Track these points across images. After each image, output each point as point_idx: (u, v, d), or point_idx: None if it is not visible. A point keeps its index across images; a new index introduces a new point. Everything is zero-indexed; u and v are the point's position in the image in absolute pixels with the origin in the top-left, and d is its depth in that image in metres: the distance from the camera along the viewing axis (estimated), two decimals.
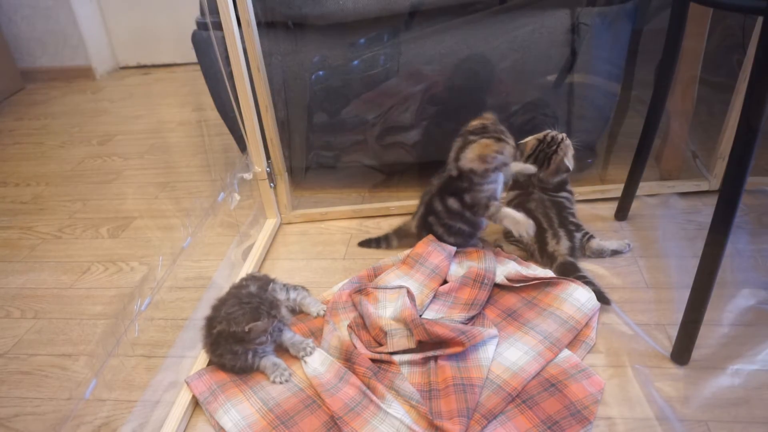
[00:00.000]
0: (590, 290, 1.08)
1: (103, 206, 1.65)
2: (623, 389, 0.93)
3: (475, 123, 1.15)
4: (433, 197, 1.20)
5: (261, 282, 1.09)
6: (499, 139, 1.11)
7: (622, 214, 1.35)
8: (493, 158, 1.10)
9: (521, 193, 1.29)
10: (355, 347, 1.01)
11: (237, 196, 1.35)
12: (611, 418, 0.88)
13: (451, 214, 1.19)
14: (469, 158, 1.12)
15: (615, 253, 1.23)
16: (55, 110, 2.48)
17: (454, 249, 1.23)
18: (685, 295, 0.92)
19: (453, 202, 1.17)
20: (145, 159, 1.94)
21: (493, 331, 1.02)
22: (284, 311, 1.06)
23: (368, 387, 0.94)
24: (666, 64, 1.13)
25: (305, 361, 1.01)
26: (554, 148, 1.24)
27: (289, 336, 1.04)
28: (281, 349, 1.04)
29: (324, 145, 1.53)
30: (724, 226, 0.85)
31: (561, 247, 1.19)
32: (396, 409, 0.90)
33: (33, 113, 2.46)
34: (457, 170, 1.15)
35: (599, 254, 1.23)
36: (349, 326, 1.07)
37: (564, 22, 1.28)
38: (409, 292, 1.10)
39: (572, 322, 1.02)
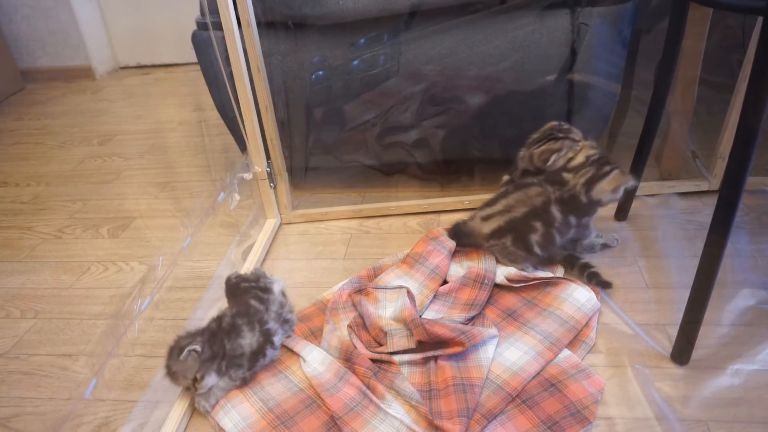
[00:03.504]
0: (590, 290, 1.09)
1: (103, 206, 1.65)
2: (623, 389, 0.93)
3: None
4: (550, 204, 1.15)
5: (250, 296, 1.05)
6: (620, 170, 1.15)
7: (622, 214, 1.35)
8: (622, 189, 1.15)
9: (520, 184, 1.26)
10: (355, 347, 1.01)
11: (237, 196, 1.35)
12: (611, 418, 0.88)
13: (563, 229, 1.17)
14: (605, 190, 1.14)
15: (605, 246, 1.25)
16: (55, 110, 2.48)
17: (453, 247, 1.23)
18: (685, 295, 0.92)
19: (572, 219, 1.16)
20: (145, 159, 1.94)
21: (493, 331, 1.02)
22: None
23: (368, 387, 0.94)
24: (666, 64, 1.13)
25: (305, 360, 1.01)
26: (561, 136, 1.23)
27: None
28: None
29: (324, 145, 1.53)
30: (724, 226, 0.85)
31: None
32: (396, 409, 0.90)
33: (33, 113, 2.46)
34: (588, 199, 1.15)
35: (590, 249, 1.24)
36: (349, 326, 1.07)
37: (564, 22, 1.28)
38: (409, 292, 1.10)
39: (572, 322, 1.03)
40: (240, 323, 0.97)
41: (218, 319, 0.98)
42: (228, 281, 1.10)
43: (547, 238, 1.16)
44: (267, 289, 1.06)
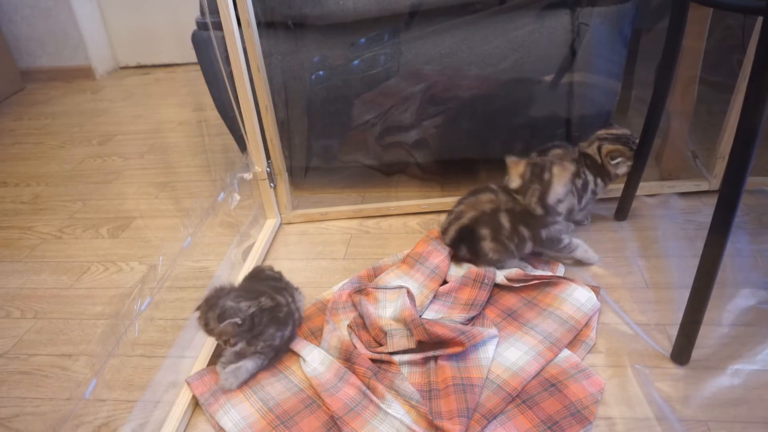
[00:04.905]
0: (590, 290, 1.09)
1: (103, 206, 1.65)
2: (623, 389, 0.93)
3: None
4: (499, 212, 1.14)
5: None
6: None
7: (621, 214, 1.35)
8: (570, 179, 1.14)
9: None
10: (355, 347, 1.01)
11: (237, 196, 1.35)
12: (611, 418, 0.88)
13: (513, 238, 1.14)
14: (558, 191, 1.11)
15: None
16: (55, 110, 2.48)
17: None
18: (685, 295, 0.92)
19: (524, 231, 1.14)
20: (145, 159, 1.94)
21: (493, 331, 1.02)
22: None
23: (368, 387, 0.94)
24: (666, 64, 1.13)
25: (305, 360, 1.01)
26: (632, 148, 1.24)
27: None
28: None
29: (324, 145, 1.53)
30: (724, 226, 0.85)
31: None
32: (396, 409, 0.90)
33: (33, 113, 2.46)
34: (545, 210, 1.12)
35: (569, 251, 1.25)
36: (349, 326, 1.07)
37: (564, 22, 1.28)
38: (408, 292, 1.10)
39: (572, 322, 1.03)
40: (287, 316, 1.01)
41: (274, 300, 0.99)
42: (264, 270, 1.14)
43: (498, 247, 1.14)
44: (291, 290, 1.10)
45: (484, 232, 1.14)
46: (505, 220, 1.13)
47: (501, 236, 1.13)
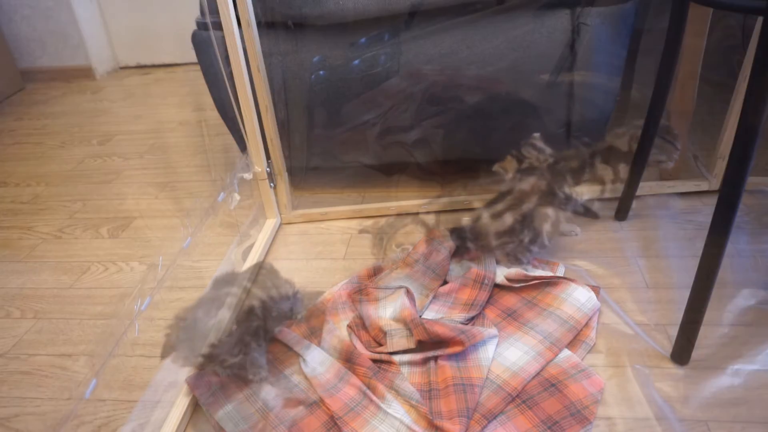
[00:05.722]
0: (590, 290, 1.09)
1: (103, 206, 1.65)
2: (623, 389, 0.93)
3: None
4: (552, 185, 1.20)
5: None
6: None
7: (621, 214, 1.35)
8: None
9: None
10: (355, 347, 1.01)
11: (237, 196, 1.35)
12: (611, 418, 0.88)
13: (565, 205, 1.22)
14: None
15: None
16: (55, 110, 2.48)
17: (453, 247, 1.23)
18: (685, 295, 0.92)
19: (566, 188, 1.22)
20: (145, 159, 1.94)
21: (493, 330, 1.02)
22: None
23: (368, 387, 0.94)
24: (666, 64, 1.13)
25: (305, 360, 1.01)
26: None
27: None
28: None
29: (324, 145, 1.53)
30: (724, 226, 0.85)
31: None
32: (396, 409, 0.90)
33: (33, 113, 2.46)
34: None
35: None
36: (349, 326, 1.07)
37: (564, 21, 1.28)
38: (408, 292, 1.10)
39: (572, 322, 1.03)
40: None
41: (243, 324, 1.00)
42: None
43: (555, 225, 1.18)
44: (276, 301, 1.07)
45: (548, 211, 1.17)
46: (557, 190, 1.18)
47: (559, 211, 1.18)
